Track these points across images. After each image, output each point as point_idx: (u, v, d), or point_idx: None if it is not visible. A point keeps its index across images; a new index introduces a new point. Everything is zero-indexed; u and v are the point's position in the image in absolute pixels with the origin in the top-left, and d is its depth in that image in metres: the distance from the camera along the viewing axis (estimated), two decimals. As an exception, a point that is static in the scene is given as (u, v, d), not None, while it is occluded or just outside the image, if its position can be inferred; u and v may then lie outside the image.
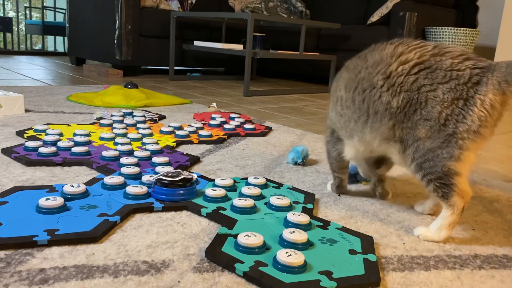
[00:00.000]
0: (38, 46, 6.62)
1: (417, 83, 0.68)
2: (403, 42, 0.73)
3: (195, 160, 1.07)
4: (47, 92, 2.06)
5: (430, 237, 0.72)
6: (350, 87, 0.77)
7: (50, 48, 5.91)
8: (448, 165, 0.68)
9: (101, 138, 1.19)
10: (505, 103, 0.66)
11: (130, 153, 1.07)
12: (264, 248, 0.62)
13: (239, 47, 2.80)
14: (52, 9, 5.70)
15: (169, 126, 1.39)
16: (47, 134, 1.19)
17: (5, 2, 5.71)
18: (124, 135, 1.25)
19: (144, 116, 1.52)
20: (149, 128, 1.36)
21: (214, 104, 1.86)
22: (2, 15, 5.34)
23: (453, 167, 0.68)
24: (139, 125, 1.38)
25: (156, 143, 1.17)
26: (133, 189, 0.78)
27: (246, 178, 0.93)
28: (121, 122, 1.43)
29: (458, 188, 0.68)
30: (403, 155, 0.73)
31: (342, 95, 0.79)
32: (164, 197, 0.78)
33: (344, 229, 0.72)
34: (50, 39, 5.96)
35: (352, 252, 0.64)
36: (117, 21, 2.89)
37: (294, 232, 0.65)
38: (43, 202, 0.70)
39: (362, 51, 0.80)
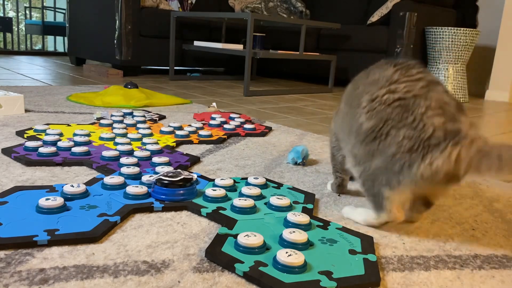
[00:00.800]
0: (38, 46, 6.62)
1: (389, 115, 0.68)
2: (405, 67, 0.71)
3: (195, 160, 1.07)
4: (47, 92, 2.06)
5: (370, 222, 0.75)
6: (347, 101, 0.79)
7: (50, 48, 5.91)
8: (382, 190, 0.70)
9: (101, 138, 1.19)
10: (454, 177, 0.65)
11: (130, 153, 1.07)
12: (264, 248, 0.62)
13: (239, 47, 2.80)
14: (52, 9, 5.70)
15: (169, 126, 1.39)
16: (47, 134, 1.19)
17: (5, 2, 5.71)
18: (124, 135, 1.25)
19: (144, 116, 1.52)
20: (149, 128, 1.36)
21: (214, 104, 1.86)
22: (2, 15, 5.34)
23: (386, 193, 0.70)
24: (139, 125, 1.38)
25: (156, 143, 1.17)
26: (133, 189, 0.78)
27: (246, 178, 0.93)
28: (121, 122, 1.43)
29: (388, 209, 0.72)
30: (354, 169, 0.76)
31: (342, 107, 0.81)
32: (164, 197, 0.78)
33: (344, 229, 0.72)
34: (50, 39, 5.96)
35: (352, 252, 0.64)
36: (117, 21, 2.89)
37: (294, 232, 0.65)
38: (43, 202, 0.70)
39: (374, 64, 0.80)
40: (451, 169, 0.63)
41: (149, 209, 0.76)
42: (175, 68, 3.77)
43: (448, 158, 0.63)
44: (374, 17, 3.13)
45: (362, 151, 0.72)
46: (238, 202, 0.76)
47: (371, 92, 0.71)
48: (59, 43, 5.75)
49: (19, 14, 5.87)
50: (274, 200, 0.79)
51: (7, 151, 1.01)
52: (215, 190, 0.81)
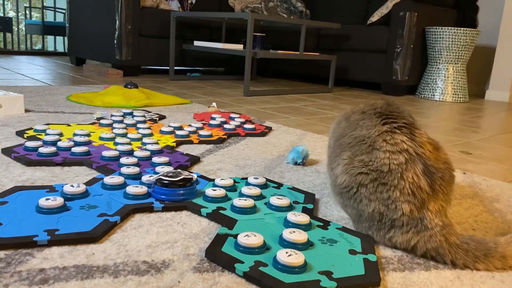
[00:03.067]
0: (38, 46, 6.62)
1: (363, 182, 0.69)
2: (393, 130, 0.70)
3: (195, 160, 1.07)
4: (47, 92, 2.06)
5: None
6: (335, 144, 0.78)
7: (50, 48, 5.91)
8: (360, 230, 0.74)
9: (101, 138, 1.19)
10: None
11: (130, 153, 1.07)
12: (264, 248, 0.62)
13: (239, 47, 2.80)
14: (52, 9, 5.70)
15: (169, 126, 1.39)
16: (47, 134, 1.19)
17: (5, 2, 5.71)
18: (124, 135, 1.25)
19: (144, 116, 1.52)
20: (149, 128, 1.36)
21: (214, 104, 1.86)
22: (2, 15, 5.34)
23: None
24: (139, 125, 1.38)
25: (156, 143, 1.17)
26: (133, 189, 0.78)
27: (246, 178, 0.93)
28: (121, 122, 1.43)
29: None
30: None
31: (332, 145, 0.81)
32: (164, 197, 0.78)
33: (344, 229, 0.72)
34: (50, 39, 5.96)
35: (352, 252, 0.64)
36: (117, 21, 2.89)
37: (294, 232, 0.65)
38: (43, 202, 0.70)
39: (367, 104, 0.78)
40: (409, 249, 0.67)
41: (149, 209, 0.75)
42: (175, 68, 3.77)
43: (406, 242, 0.67)
44: (374, 17, 3.13)
45: (337, 199, 0.75)
46: (238, 202, 0.76)
47: (354, 152, 0.72)
48: (59, 43, 5.75)
49: (19, 14, 5.87)
50: (274, 200, 0.79)
51: (7, 151, 1.01)
52: (215, 190, 0.81)
